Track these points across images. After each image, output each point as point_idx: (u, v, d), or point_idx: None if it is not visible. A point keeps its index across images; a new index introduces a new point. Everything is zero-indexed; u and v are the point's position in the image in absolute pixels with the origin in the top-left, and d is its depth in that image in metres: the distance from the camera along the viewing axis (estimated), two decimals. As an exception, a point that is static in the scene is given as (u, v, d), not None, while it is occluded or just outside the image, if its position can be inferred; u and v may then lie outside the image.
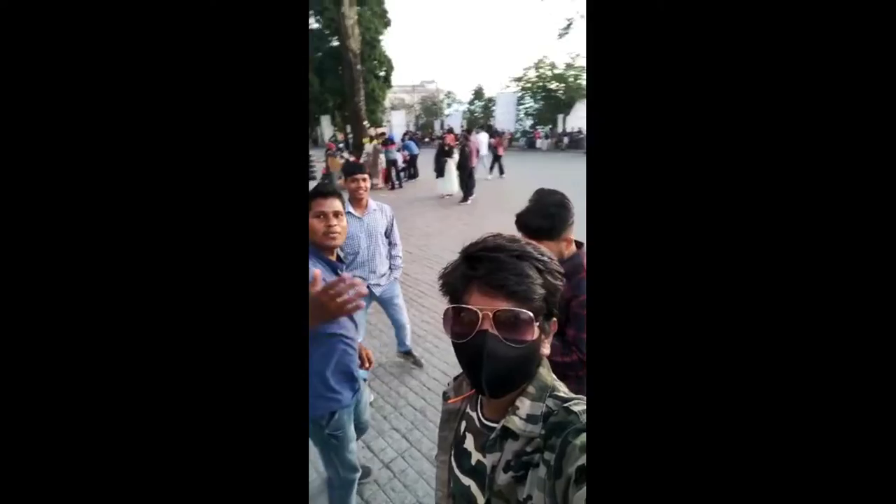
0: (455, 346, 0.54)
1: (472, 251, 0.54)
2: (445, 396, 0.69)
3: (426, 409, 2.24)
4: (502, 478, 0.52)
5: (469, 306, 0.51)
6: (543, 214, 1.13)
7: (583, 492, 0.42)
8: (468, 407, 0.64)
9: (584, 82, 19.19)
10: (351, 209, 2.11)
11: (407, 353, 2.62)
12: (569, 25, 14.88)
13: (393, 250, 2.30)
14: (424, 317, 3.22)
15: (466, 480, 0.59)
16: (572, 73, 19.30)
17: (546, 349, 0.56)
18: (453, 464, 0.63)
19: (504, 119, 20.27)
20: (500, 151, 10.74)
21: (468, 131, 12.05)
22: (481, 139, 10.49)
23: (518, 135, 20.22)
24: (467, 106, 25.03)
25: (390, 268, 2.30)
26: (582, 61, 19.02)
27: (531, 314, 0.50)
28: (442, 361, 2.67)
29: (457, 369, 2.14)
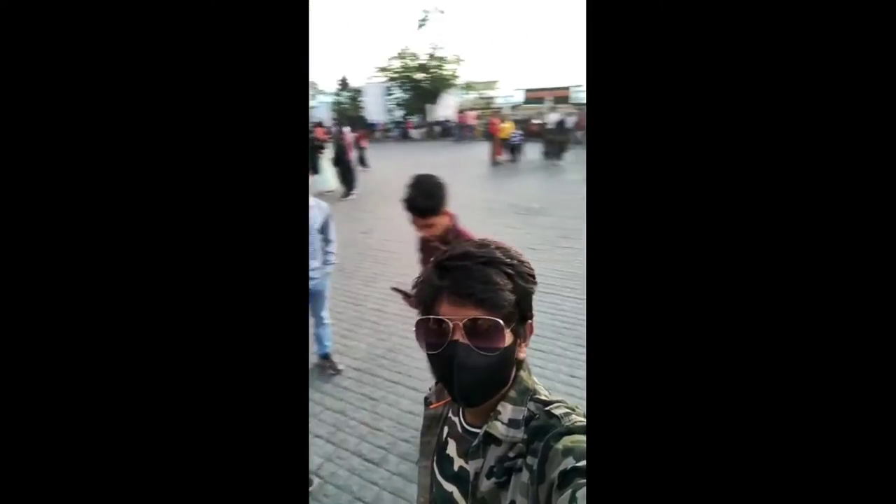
0: (428, 357, 0.54)
1: (440, 260, 0.54)
2: (427, 402, 0.69)
3: (346, 409, 2.22)
4: (485, 484, 0.52)
5: (439, 317, 0.51)
6: (428, 195, 1.35)
7: (565, 496, 0.42)
8: (450, 412, 0.64)
9: (445, 73, 20.07)
10: None
11: (326, 357, 2.56)
12: (426, 18, 15.36)
13: (327, 246, 2.34)
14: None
15: (449, 486, 0.59)
16: (434, 63, 20.04)
17: (523, 353, 0.56)
18: (435, 469, 0.62)
19: (374, 110, 20.07)
20: (364, 144, 10.69)
21: (340, 124, 11.65)
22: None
23: (391, 125, 20.26)
24: (334, 97, 23.97)
25: (324, 262, 2.33)
26: (442, 52, 19.89)
27: (501, 321, 0.50)
28: (353, 359, 2.65)
29: (370, 364, 2.19)
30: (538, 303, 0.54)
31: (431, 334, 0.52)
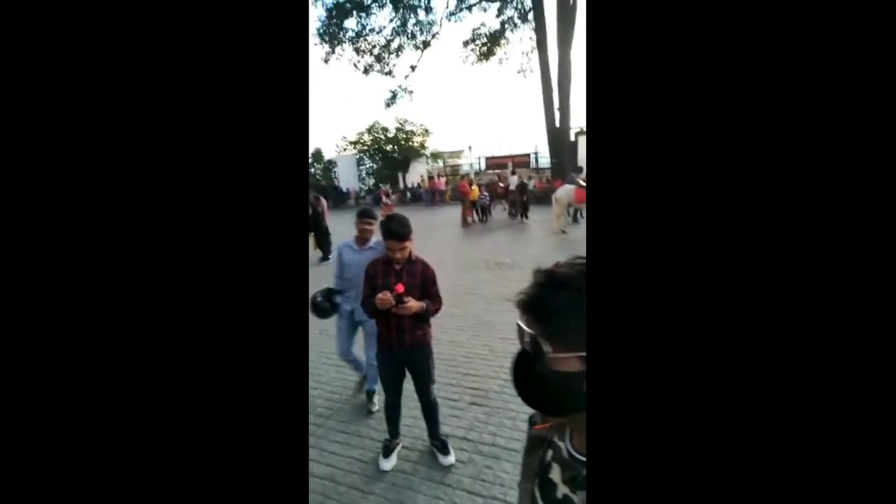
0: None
1: (556, 273, 0.51)
2: (531, 422, 0.67)
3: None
4: None
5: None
6: (403, 225, 1.89)
7: None
8: (555, 435, 0.62)
9: (414, 143, 21.42)
10: (352, 244, 2.57)
11: (371, 393, 2.65)
12: (394, 96, 16.81)
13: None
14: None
15: None
16: (402, 135, 21.48)
17: None
18: (537, 494, 0.60)
19: (346, 179, 21.03)
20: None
21: (316, 193, 12.29)
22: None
23: (363, 193, 21.05)
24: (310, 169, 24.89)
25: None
26: (409, 126, 21.43)
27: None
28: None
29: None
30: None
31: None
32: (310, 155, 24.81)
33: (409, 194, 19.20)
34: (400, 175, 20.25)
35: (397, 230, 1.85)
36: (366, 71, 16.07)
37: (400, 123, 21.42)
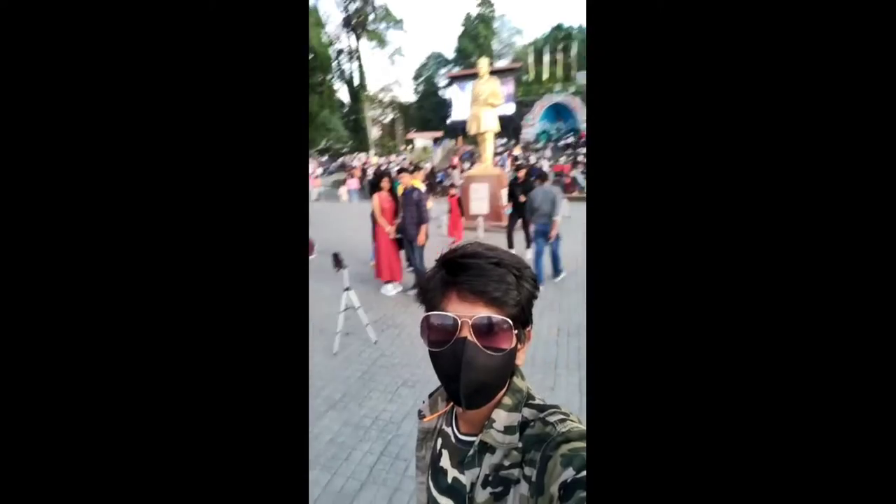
0: (432, 354, 0.53)
1: (451, 257, 0.54)
2: (420, 415, 0.68)
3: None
4: (481, 494, 0.52)
5: (447, 313, 0.51)
6: None
7: None
8: (443, 423, 0.64)
9: None
10: None
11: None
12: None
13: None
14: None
15: (444, 500, 0.57)
16: None
17: (520, 359, 0.55)
18: (430, 484, 0.61)
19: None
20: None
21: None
22: None
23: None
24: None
25: None
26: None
27: (510, 321, 0.50)
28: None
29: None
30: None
31: (438, 331, 0.52)
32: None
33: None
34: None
35: None
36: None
37: None
